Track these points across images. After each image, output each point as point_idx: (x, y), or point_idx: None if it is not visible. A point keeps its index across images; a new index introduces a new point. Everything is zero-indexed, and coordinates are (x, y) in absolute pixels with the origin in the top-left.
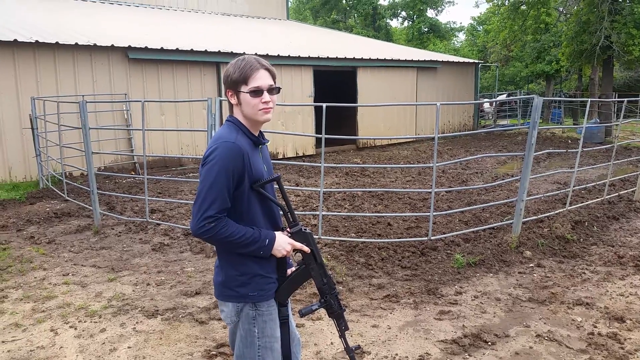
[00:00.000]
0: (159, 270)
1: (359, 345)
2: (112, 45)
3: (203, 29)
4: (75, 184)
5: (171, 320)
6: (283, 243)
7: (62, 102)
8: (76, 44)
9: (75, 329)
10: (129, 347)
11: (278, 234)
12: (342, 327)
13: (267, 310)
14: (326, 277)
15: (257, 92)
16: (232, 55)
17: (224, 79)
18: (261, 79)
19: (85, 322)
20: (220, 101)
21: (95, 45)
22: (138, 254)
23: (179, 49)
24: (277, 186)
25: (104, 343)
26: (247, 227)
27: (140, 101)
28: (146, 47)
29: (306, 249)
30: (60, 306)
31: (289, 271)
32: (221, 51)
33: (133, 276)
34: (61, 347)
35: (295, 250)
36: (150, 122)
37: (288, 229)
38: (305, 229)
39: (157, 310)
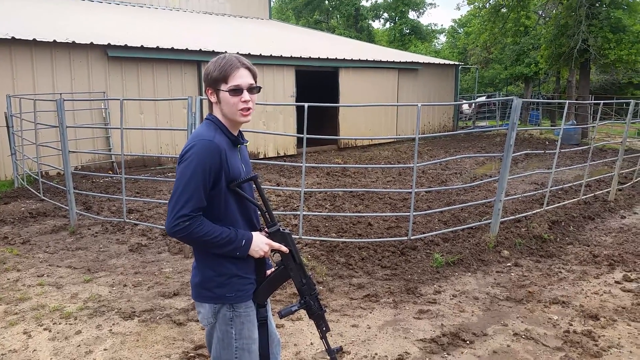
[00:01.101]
0: (136, 271)
1: (340, 347)
2: (92, 43)
3: (184, 28)
4: (51, 183)
5: (148, 321)
6: (260, 243)
7: (39, 100)
8: (54, 41)
9: (50, 331)
10: (105, 350)
11: (255, 234)
12: (322, 329)
13: (245, 312)
14: (305, 278)
15: (236, 91)
16: (214, 54)
17: (204, 76)
18: (241, 77)
19: (60, 324)
20: (201, 100)
21: (74, 42)
22: (115, 255)
23: (160, 47)
24: (255, 186)
25: (79, 345)
26: (223, 227)
27: (119, 99)
28: (126, 45)
29: (284, 249)
30: (34, 308)
31: (268, 272)
32: (202, 50)
33: (110, 277)
34: (34, 350)
35: (274, 250)
36: (129, 121)
37: (266, 229)
38: (284, 229)
39: (134, 312)
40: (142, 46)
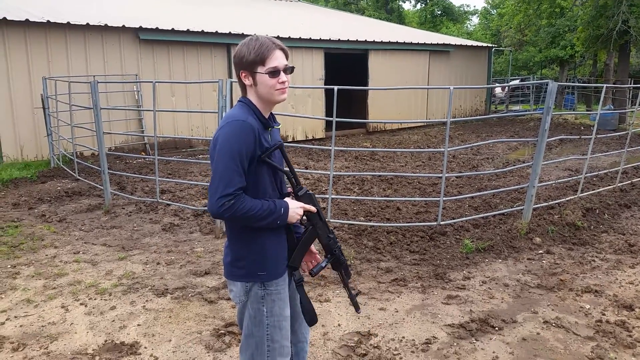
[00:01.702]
0: (169, 250)
1: (358, 290)
2: (123, 26)
3: (214, 11)
4: (86, 163)
5: (180, 299)
6: (295, 208)
7: (73, 82)
8: (87, 24)
9: (86, 306)
10: (138, 325)
11: (288, 200)
12: (346, 277)
13: (276, 290)
14: (331, 233)
15: (274, 73)
16: (243, 36)
17: (237, 60)
18: (277, 59)
19: (95, 299)
20: (231, 83)
21: (106, 25)
22: (148, 234)
23: (190, 30)
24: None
25: (113, 320)
26: (262, 200)
27: (151, 82)
28: (157, 28)
29: (313, 209)
30: (70, 283)
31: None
32: (232, 32)
33: (143, 255)
34: (72, 323)
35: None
36: (160, 103)
37: (293, 194)
38: (308, 190)
39: (167, 289)
40: (172, 29)
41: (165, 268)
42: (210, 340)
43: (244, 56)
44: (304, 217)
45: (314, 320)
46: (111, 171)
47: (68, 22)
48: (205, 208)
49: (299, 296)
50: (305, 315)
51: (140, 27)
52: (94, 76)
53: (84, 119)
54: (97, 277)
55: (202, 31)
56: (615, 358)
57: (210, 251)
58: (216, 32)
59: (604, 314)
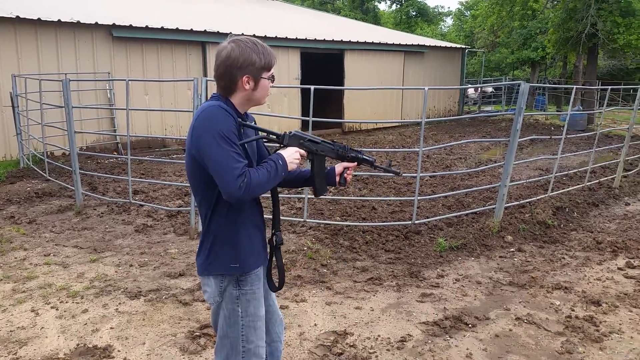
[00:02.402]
0: (142, 252)
1: (390, 161)
2: (96, 23)
3: (189, 8)
4: (56, 163)
5: (154, 301)
6: (291, 154)
7: (44, 80)
8: (59, 20)
9: (57, 309)
10: (111, 328)
11: (281, 151)
12: (372, 162)
13: (251, 289)
14: (333, 145)
15: (273, 78)
16: (219, 35)
17: (242, 64)
18: (275, 64)
19: (66, 302)
20: (207, 81)
21: (78, 22)
22: (121, 235)
23: (164, 27)
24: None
25: (86, 324)
26: (261, 165)
27: (124, 80)
28: (130, 26)
29: (303, 152)
30: (41, 287)
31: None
32: (207, 30)
33: (116, 257)
34: (42, 327)
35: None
36: (133, 102)
37: (281, 145)
38: (290, 132)
39: (140, 292)
40: (146, 26)
41: (139, 270)
42: (185, 342)
43: (255, 62)
44: (303, 157)
45: (282, 285)
46: (82, 171)
47: (39, 18)
48: (179, 208)
49: (276, 258)
50: (280, 277)
51: (114, 24)
52: (65, 74)
53: (54, 117)
54: (69, 280)
55: (177, 29)
56: (584, 352)
57: (185, 252)
58: (191, 30)
59: (573, 310)
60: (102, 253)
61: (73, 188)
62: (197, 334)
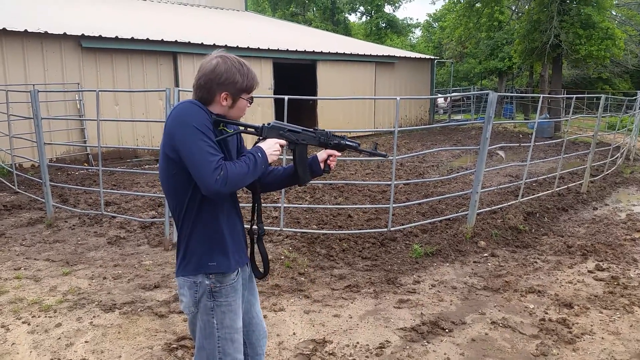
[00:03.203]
0: (116, 264)
1: (375, 143)
2: (65, 34)
3: (160, 19)
4: (26, 175)
5: (129, 314)
6: (271, 146)
7: (11, 91)
8: (25, 31)
9: (29, 324)
10: (86, 342)
11: (261, 143)
12: (356, 147)
13: (226, 301)
14: (314, 132)
15: (251, 100)
16: (190, 45)
17: (224, 81)
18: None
19: (39, 317)
20: (179, 91)
21: (46, 33)
22: (93, 248)
23: (135, 38)
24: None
25: (59, 338)
26: (238, 158)
27: (94, 91)
28: (100, 36)
29: (283, 142)
30: (11, 301)
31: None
32: (178, 41)
33: (89, 270)
34: (13, 343)
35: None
36: (104, 113)
37: (260, 138)
38: (269, 123)
39: (115, 304)
40: (116, 37)
41: (113, 282)
42: (162, 355)
43: (238, 82)
44: (283, 148)
45: (267, 272)
46: (53, 183)
47: (4, 28)
48: (153, 219)
49: (259, 247)
50: (264, 265)
51: (83, 34)
52: (33, 85)
53: (23, 129)
54: (41, 294)
55: (148, 39)
56: (558, 354)
57: (160, 264)
58: (162, 40)
59: (546, 313)
60: (75, 266)
61: (43, 200)
62: (174, 346)
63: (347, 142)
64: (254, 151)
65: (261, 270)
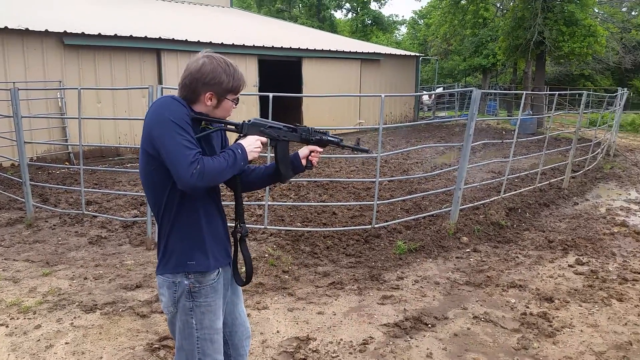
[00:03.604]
0: (97, 264)
1: (358, 138)
2: (46, 30)
3: (143, 15)
4: (5, 175)
5: (111, 314)
6: (251, 143)
7: None
8: (6, 27)
9: (7, 326)
10: (66, 343)
11: (241, 140)
12: (338, 142)
13: (205, 302)
14: (296, 129)
15: (237, 101)
16: (174, 42)
17: (210, 81)
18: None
19: (17, 319)
20: (162, 89)
21: (27, 30)
22: (74, 248)
23: (118, 34)
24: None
25: (39, 340)
26: (218, 154)
27: (76, 88)
28: (83, 33)
29: (264, 139)
30: None
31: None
32: (162, 38)
33: (69, 270)
34: None
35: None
36: (86, 111)
37: (241, 135)
38: (250, 120)
39: (96, 305)
40: (99, 34)
41: (94, 283)
42: (144, 355)
43: (224, 82)
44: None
45: (250, 279)
46: (33, 182)
47: None
48: (135, 219)
49: (242, 251)
50: (247, 271)
51: (65, 31)
52: (13, 82)
53: (2, 127)
54: (20, 295)
55: (131, 36)
56: (538, 347)
57: (141, 263)
58: (145, 37)
59: (527, 307)
60: (55, 266)
61: (23, 200)
62: (156, 346)
63: (329, 138)
64: (234, 147)
65: (243, 277)
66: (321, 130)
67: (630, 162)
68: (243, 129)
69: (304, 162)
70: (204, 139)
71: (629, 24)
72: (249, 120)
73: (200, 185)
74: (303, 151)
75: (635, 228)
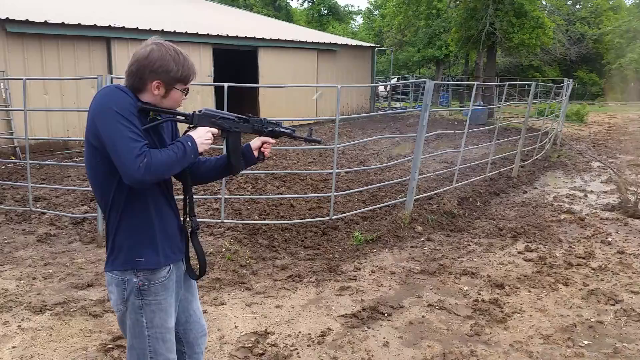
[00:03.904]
0: (46, 263)
1: (311, 129)
2: None
3: (92, 2)
4: None
5: (61, 315)
6: (202, 135)
7: None
8: None
9: None
10: (13, 347)
11: (191, 132)
12: (291, 133)
13: (155, 300)
14: (248, 119)
15: (186, 91)
16: (125, 30)
17: (157, 69)
18: (193, 79)
19: None
20: (112, 79)
21: None
22: (21, 246)
23: (65, 22)
24: None
25: None
26: (165, 147)
27: (21, 79)
28: (27, 20)
29: (215, 130)
30: None
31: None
32: (112, 26)
33: (16, 270)
34: None
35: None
36: (32, 102)
37: (190, 126)
38: (200, 110)
39: (46, 305)
40: (45, 21)
41: (43, 282)
42: (97, 356)
43: (172, 71)
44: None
45: (204, 272)
46: None
47: None
48: (85, 215)
49: (194, 244)
50: (200, 265)
51: (7, 18)
52: None
53: None
54: None
55: (79, 24)
56: (491, 333)
57: (93, 261)
58: (95, 25)
59: (479, 294)
60: (1, 266)
61: None
62: (110, 346)
63: (282, 129)
64: (184, 140)
65: (197, 272)
66: (274, 122)
67: (576, 150)
68: (194, 120)
69: (256, 153)
70: (153, 130)
71: (573, 16)
72: (200, 111)
73: (147, 180)
74: (255, 142)
75: (579, 214)
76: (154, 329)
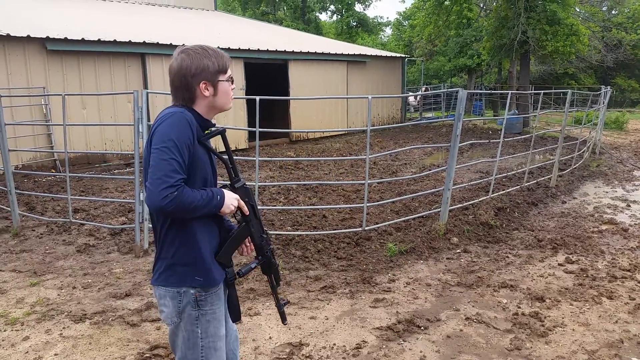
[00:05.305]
0: (85, 273)
1: (287, 300)
2: (28, 36)
3: (127, 19)
4: None
5: (100, 324)
6: (231, 198)
7: None
8: None
9: None
10: (55, 355)
11: (225, 190)
12: (276, 282)
13: (211, 309)
14: (264, 233)
15: (232, 80)
16: (159, 46)
17: (196, 71)
18: (230, 67)
19: (5, 331)
20: (147, 93)
21: (9, 35)
22: (62, 256)
23: (101, 39)
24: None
25: (27, 352)
26: (198, 189)
27: (60, 95)
28: (66, 38)
29: (246, 210)
30: None
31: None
32: (146, 42)
33: (57, 279)
34: None
35: (238, 208)
36: (71, 117)
37: (229, 184)
38: (245, 183)
39: (85, 314)
40: (83, 39)
41: (82, 292)
42: None
43: (208, 66)
44: (238, 213)
45: (238, 318)
46: (19, 191)
47: None
48: (123, 226)
49: (229, 293)
50: (231, 314)
51: (47, 37)
52: None
53: None
54: (7, 306)
55: (115, 41)
56: (531, 347)
57: (130, 271)
58: (130, 41)
59: (519, 307)
60: (43, 276)
61: (9, 209)
62: (147, 355)
63: (275, 273)
64: (216, 192)
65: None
66: (276, 263)
67: (616, 159)
68: (235, 183)
69: (243, 248)
70: (205, 146)
71: (609, 22)
72: (244, 183)
73: (167, 210)
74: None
75: (622, 225)
76: (208, 338)
